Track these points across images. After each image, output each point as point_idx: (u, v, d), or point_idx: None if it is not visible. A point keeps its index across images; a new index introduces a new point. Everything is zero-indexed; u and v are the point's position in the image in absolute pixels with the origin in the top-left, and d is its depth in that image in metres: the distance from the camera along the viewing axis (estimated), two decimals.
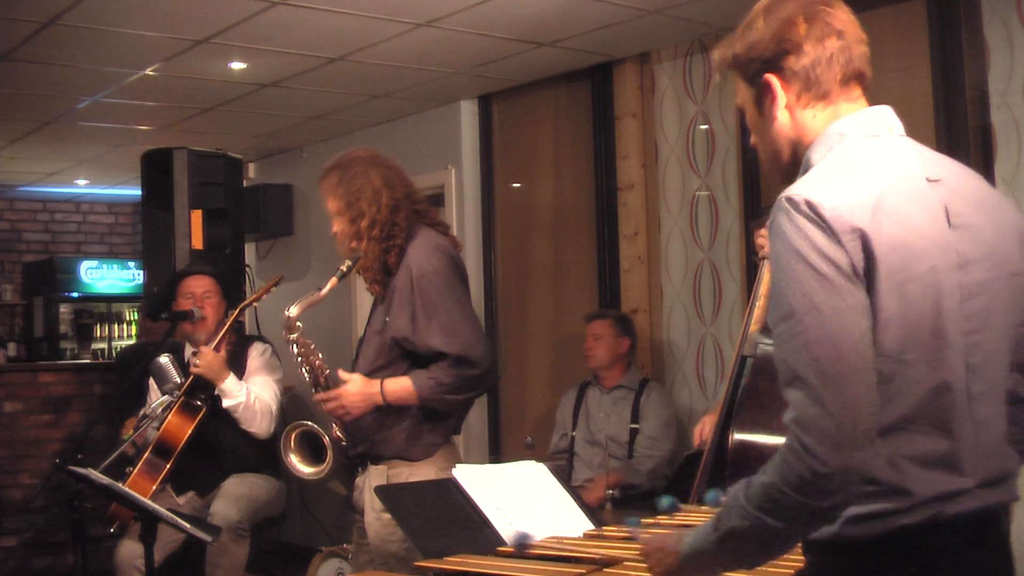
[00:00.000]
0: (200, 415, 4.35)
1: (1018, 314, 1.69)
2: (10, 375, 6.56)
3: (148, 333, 6.18)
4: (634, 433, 4.69)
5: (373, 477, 3.13)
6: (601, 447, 4.69)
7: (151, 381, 4.57)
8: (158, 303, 5.10)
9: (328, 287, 3.19)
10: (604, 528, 2.45)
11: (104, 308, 8.96)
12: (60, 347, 8.63)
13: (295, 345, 3.25)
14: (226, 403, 4.37)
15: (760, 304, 3.18)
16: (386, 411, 3.13)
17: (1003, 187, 3.92)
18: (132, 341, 8.56)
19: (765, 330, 3.17)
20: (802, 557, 1.91)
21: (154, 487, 4.24)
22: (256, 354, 4.64)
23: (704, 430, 3.57)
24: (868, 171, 1.60)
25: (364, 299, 6.43)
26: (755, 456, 2.96)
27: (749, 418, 3.02)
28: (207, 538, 3.66)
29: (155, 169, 5.55)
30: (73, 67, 5.00)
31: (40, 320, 8.71)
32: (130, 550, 4.22)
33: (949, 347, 1.58)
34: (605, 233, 5.36)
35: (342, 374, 3.17)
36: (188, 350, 4.62)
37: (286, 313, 3.22)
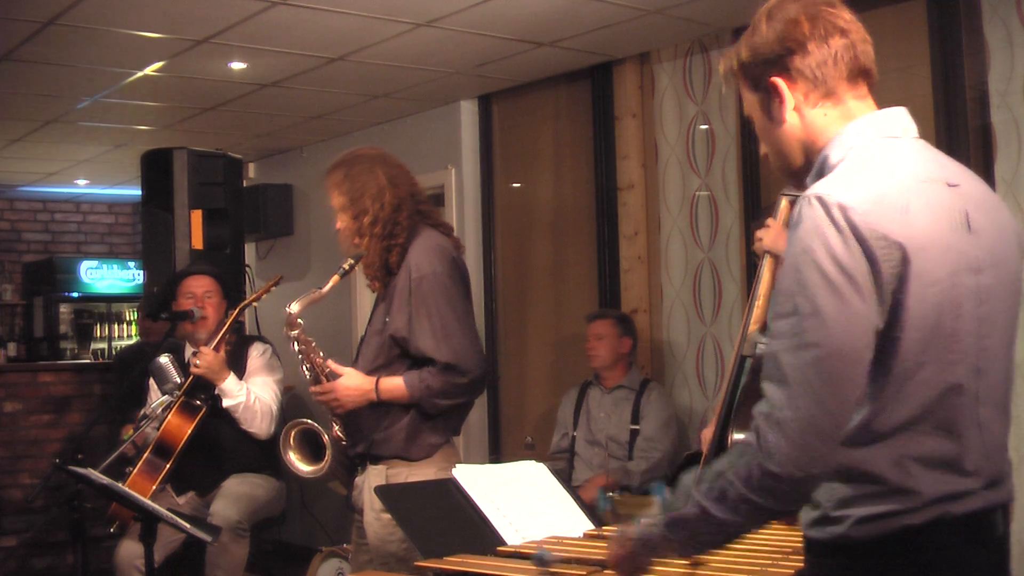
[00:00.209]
0: (200, 415, 4.35)
1: (1015, 320, 1.71)
2: (10, 375, 6.56)
3: (148, 333, 6.17)
4: (634, 434, 4.70)
5: (372, 477, 3.14)
6: (601, 447, 4.70)
7: (151, 381, 4.57)
8: (158, 303, 5.10)
9: (330, 285, 3.20)
10: (604, 528, 2.45)
11: (104, 308, 8.96)
12: (60, 347, 8.63)
13: (296, 342, 3.25)
14: (226, 403, 4.37)
15: (759, 304, 3.18)
16: (385, 411, 3.13)
17: (1003, 187, 3.92)
18: (132, 341, 8.56)
19: (764, 330, 3.16)
20: (801, 559, 1.91)
21: (154, 487, 4.24)
22: (256, 354, 4.64)
23: (706, 435, 3.56)
24: (893, 173, 1.61)
25: (364, 299, 6.43)
26: None
27: (748, 419, 3.01)
28: (207, 538, 3.66)
29: (155, 169, 5.55)
30: (73, 67, 5.00)
31: (40, 320, 8.71)
32: (130, 550, 4.22)
33: (962, 350, 1.59)
34: (605, 233, 5.36)
35: (338, 368, 3.18)
36: (188, 350, 4.62)
37: (287, 310, 3.22)
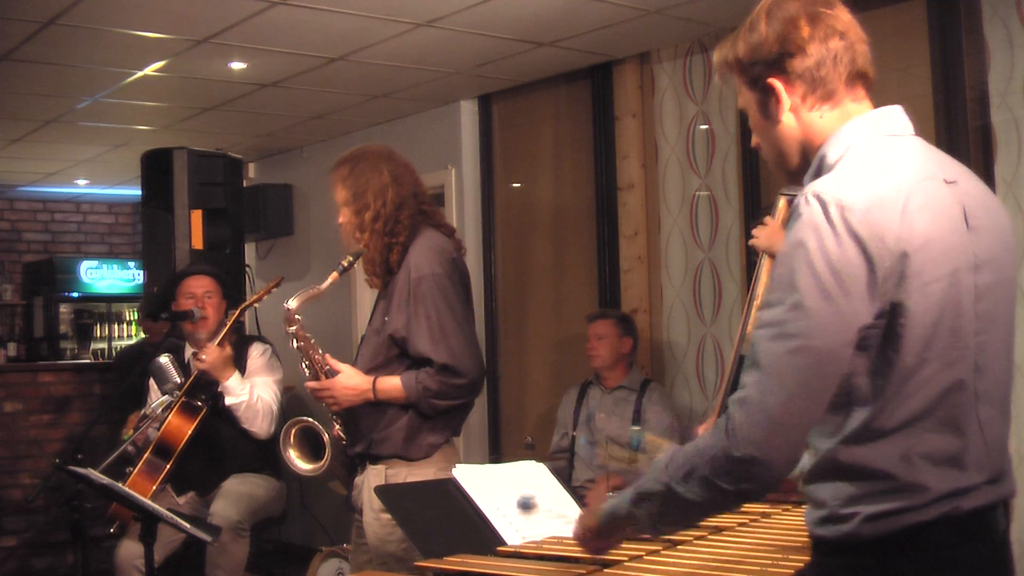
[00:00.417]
0: (200, 416, 4.35)
1: (1012, 318, 1.71)
2: (10, 375, 6.56)
3: (151, 333, 6.18)
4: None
5: (372, 477, 3.14)
6: (602, 447, 4.69)
7: (151, 381, 4.57)
8: (158, 303, 5.10)
9: (329, 281, 3.21)
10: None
11: (104, 308, 8.97)
12: (60, 347, 8.63)
13: (295, 339, 3.25)
14: (228, 401, 4.36)
15: (758, 304, 3.18)
16: (384, 411, 3.13)
17: (1003, 187, 3.92)
18: (132, 341, 8.56)
19: None
20: (801, 558, 1.91)
21: (154, 487, 4.23)
22: (256, 354, 4.64)
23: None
24: (893, 170, 1.61)
25: (364, 298, 6.43)
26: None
27: None
28: (207, 538, 3.66)
29: (155, 169, 5.56)
30: (73, 67, 5.00)
31: (40, 320, 8.72)
32: (130, 550, 4.22)
33: (963, 348, 1.60)
34: (605, 233, 5.36)
35: (337, 365, 3.18)
36: (188, 350, 4.62)
37: (285, 305, 3.23)
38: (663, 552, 2.11)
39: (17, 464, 6.31)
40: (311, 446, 3.55)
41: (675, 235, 5.12)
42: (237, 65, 5.07)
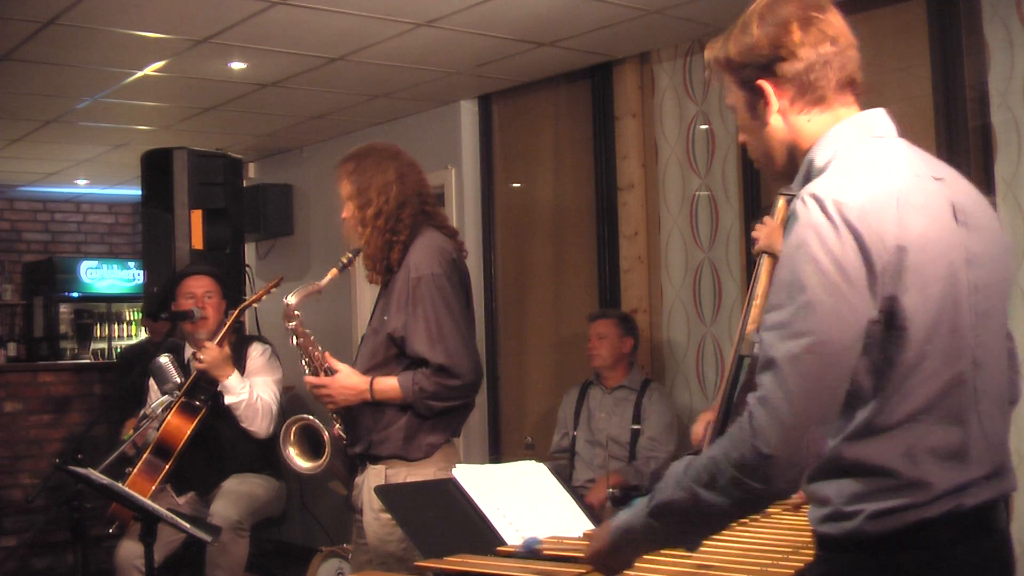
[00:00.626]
0: (200, 416, 4.35)
1: (1006, 313, 1.73)
2: (10, 375, 6.56)
3: (154, 332, 6.18)
4: (635, 434, 4.69)
5: (371, 477, 3.14)
6: (602, 447, 4.69)
7: (151, 381, 4.57)
8: (158, 303, 5.10)
9: (328, 278, 3.22)
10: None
11: (104, 308, 8.96)
12: (60, 347, 8.62)
13: (294, 335, 3.26)
14: (228, 400, 4.36)
15: (757, 303, 3.17)
16: (383, 411, 3.13)
17: (1003, 187, 3.92)
18: (132, 341, 8.56)
19: None
20: (801, 558, 1.91)
21: (153, 487, 4.23)
22: (256, 354, 4.64)
23: (709, 429, 3.55)
24: (884, 170, 1.63)
25: (364, 297, 6.43)
26: None
27: None
28: (207, 538, 3.66)
29: (155, 169, 5.55)
30: (73, 67, 5.00)
31: (40, 320, 8.71)
32: (130, 550, 4.22)
33: (962, 343, 1.61)
34: (605, 233, 5.36)
35: (335, 363, 3.19)
36: (188, 350, 4.62)
37: (285, 301, 3.24)
38: (663, 552, 2.11)
39: (17, 464, 6.31)
40: (311, 444, 3.55)
41: (675, 235, 5.12)
42: (237, 65, 5.07)
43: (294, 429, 3.55)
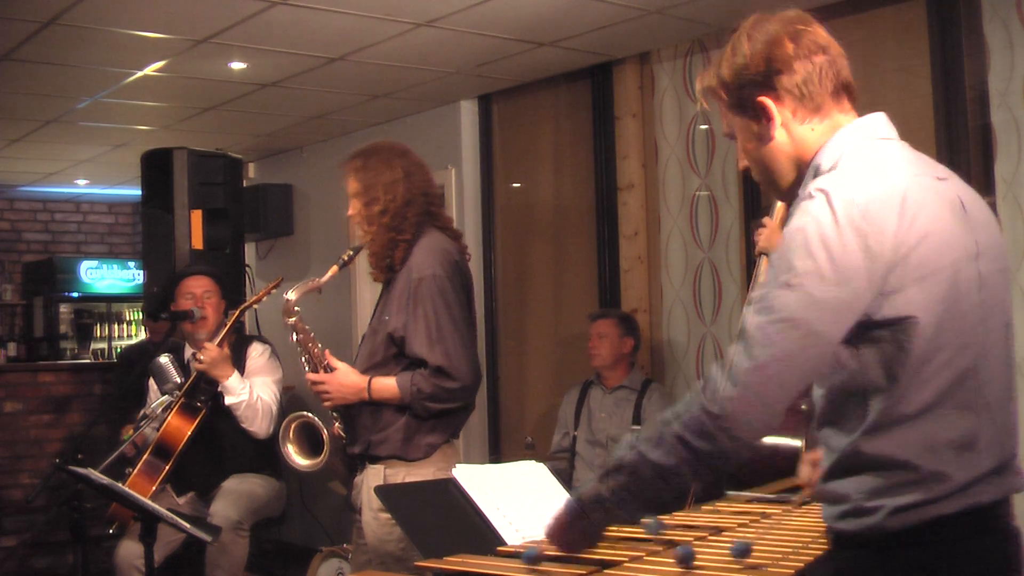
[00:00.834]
0: (200, 416, 4.34)
1: (1010, 306, 1.76)
2: (10, 375, 6.56)
3: (154, 332, 6.18)
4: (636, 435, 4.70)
5: (371, 477, 3.14)
6: (603, 447, 4.69)
7: (151, 381, 4.57)
8: (158, 303, 5.10)
9: (329, 274, 3.22)
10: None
11: (104, 308, 8.97)
12: (60, 347, 8.63)
13: (294, 331, 3.26)
14: (228, 400, 4.36)
15: None
16: (382, 411, 3.13)
17: (1003, 187, 3.92)
18: (132, 341, 8.56)
19: None
20: (801, 558, 1.91)
21: (154, 488, 4.24)
22: (255, 354, 4.64)
23: None
24: (889, 169, 1.67)
25: (364, 297, 6.44)
26: (753, 455, 2.95)
27: None
28: (207, 538, 3.66)
29: (155, 169, 5.55)
30: (73, 67, 5.00)
31: (40, 320, 8.72)
32: (130, 550, 4.22)
33: (972, 333, 1.64)
34: (605, 233, 5.36)
35: (335, 361, 3.19)
36: (188, 350, 4.62)
37: (285, 296, 3.25)
38: (663, 553, 2.11)
39: (17, 464, 6.31)
40: (310, 442, 3.55)
41: (675, 235, 5.12)
42: (237, 65, 5.07)
43: (293, 427, 3.56)
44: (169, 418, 4.30)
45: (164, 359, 4.40)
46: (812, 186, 1.65)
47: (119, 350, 8.09)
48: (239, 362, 4.54)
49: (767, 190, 1.88)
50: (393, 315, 3.12)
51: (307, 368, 3.28)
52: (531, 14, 4.46)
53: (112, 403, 5.91)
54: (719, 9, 4.45)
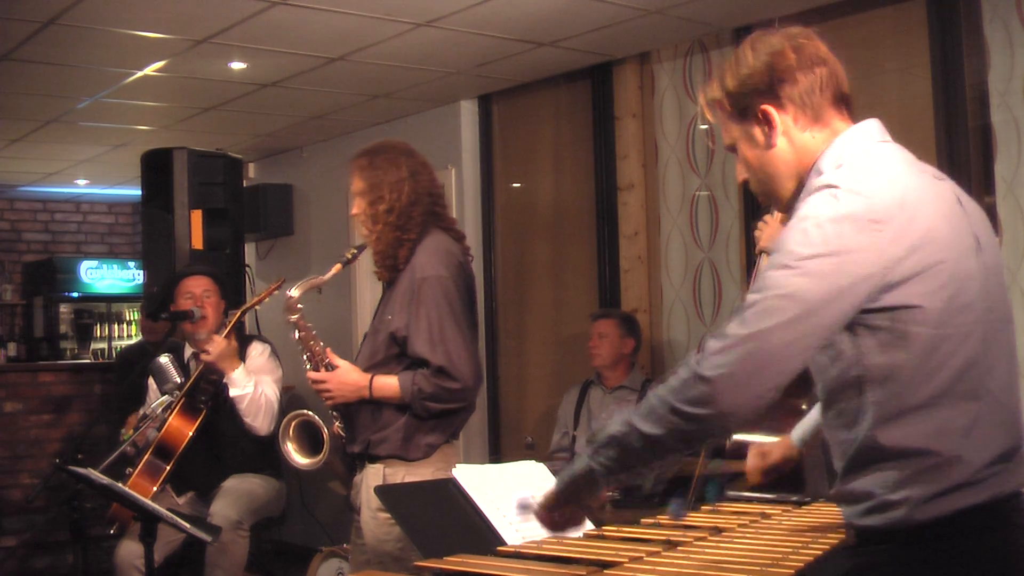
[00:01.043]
0: (201, 417, 4.34)
1: (1008, 298, 1.82)
2: (10, 375, 6.57)
3: (150, 332, 6.18)
4: None
5: (370, 476, 3.14)
6: None
7: (151, 381, 4.57)
8: (157, 304, 5.10)
9: (332, 272, 3.22)
10: (604, 528, 2.45)
11: (104, 308, 8.97)
12: (60, 347, 8.63)
13: (296, 328, 3.26)
14: (233, 392, 4.35)
15: None
16: (382, 410, 3.13)
17: (1003, 187, 3.92)
18: (132, 341, 8.56)
19: None
20: (801, 558, 1.91)
21: (155, 488, 4.23)
22: (256, 353, 4.63)
23: None
24: (891, 169, 1.73)
25: (365, 296, 6.44)
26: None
27: None
28: (207, 538, 3.66)
29: (155, 169, 5.55)
30: (73, 67, 5.00)
31: (40, 320, 8.72)
32: (130, 550, 4.22)
33: (975, 321, 1.68)
34: (605, 233, 5.36)
35: (336, 360, 3.19)
36: (188, 350, 4.62)
37: (288, 293, 3.25)
38: (663, 553, 2.11)
39: (17, 464, 6.31)
40: (310, 441, 3.55)
41: (675, 235, 5.12)
42: (237, 65, 5.07)
43: (293, 425, 3.56)
44: (170, 419, 4.29)
45: (164, 359, 4.40)
46: (818, 182, 1.70)
47: (118, 350, 8.09)
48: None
49: (766, 201, 1.94)
50: (395, 315, 3.12)
51: (308, 366, 3.28)
52: (531, 14, 4.46)
53: (112, 403, 5.91)
54: (719, 9, 4.45)
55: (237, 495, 4.44)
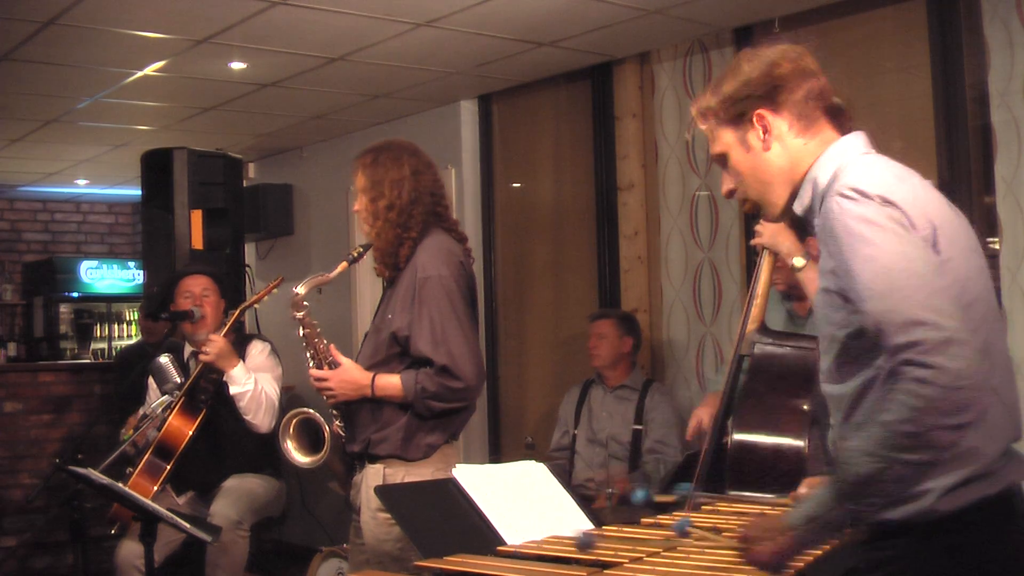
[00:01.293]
0: (201, 416, 4.34)
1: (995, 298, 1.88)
2: (10, 375, 6.56)
3: (149, 332, 6.18)
4: (636, 434, 4.69)
5: (370, 476, 3.14)
6: (603, 446, 4.69)
7: (151, 381, 4.57)
8: (157, 304, 5.10)
9: (337, 270, 3.23)
10: (604, 528, 2.45)
11: (104, 308, 8.96)
12: (60, 347, 8.62)
13: (301, 326, 3.26)
14: (233, 390, 4.35)
15: (757, 303, 3.18)
16: (382, 410, 3.13)
17: (1003, 187, 3.92)
18: (132, 341, 8.56)
19: (763, 329, 3.17)
20: (802, 558, 1.91)
21: (155, 488, 4.23)
22: (256, 352, 4.63)
23: (703, 423, 3.56)
24: (893, 172, 1.78)
25: (365, 295, 6.44)
26: (755, 457, 2.96)
27: (748, 418, 3.01)
28: (207, 538, 3.66)
29: (155, 169, 5.55)
30: (73, 67, 5.00)
31: (40, 320, 8.71)
32: (130, 550, 4.22)
33: (981, 319, 1.73)
34: (605, 233, 5.36)
35: (339, 357, 3.19)
36: (188, 350, 4.62)
37: (293, 290, 3.25)
38: (663, 554, 2.11)
39: (17, 464, 6.31)
40: (310, 439, 3.55)
41: (675, 235, 5.12)
42: (237, 65, 5.07)
43: (294, 423, 3.56)
44: (170, 418, 4.29)
45: (164, 359, 4.40)
46: (837, 189, 1.73)
47: (118, 350, 8.09)
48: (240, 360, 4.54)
49: (754, 209, 1.98)
50: (397, 314, 3.12)
51: (311, 364, 3.28)
52: (531, 14, 4.46)
53: (112, 403, 5.91)
54: (719, 9, 4.45)
55: (237, 495, 4.44)
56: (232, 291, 4.92)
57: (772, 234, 3.12)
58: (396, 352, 3.14)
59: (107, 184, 8.64)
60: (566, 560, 2.11)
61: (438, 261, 3.11)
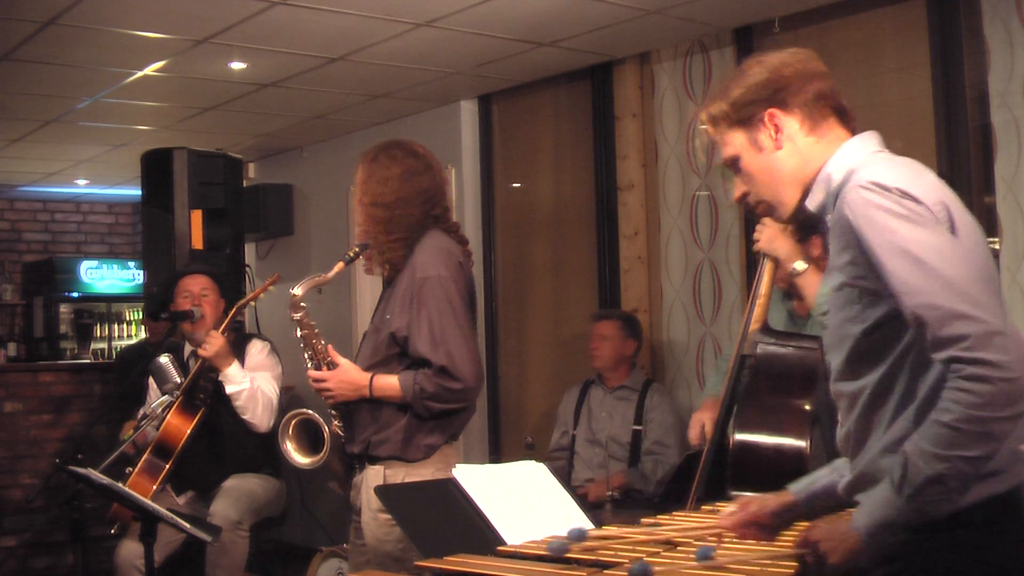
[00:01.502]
0: (199, 415, 4.34)
1: None
2: (10, 375, 6.56)
3: (153, 332, 6.18)
4: (636, 434, 4.69)
5: (370, 477, 3.14)
6: (602, 447, 4.69)
7: (151, 381, 4.57)
8: (157, 304, 5.11)
9: (335, 270, 3.23)
10: (604, 528, 2.45)
11: (104, 308, 8.96)
12: (60, 347, 8.62)
13: (299, 326, 3.26)
14: (229, 389, 4.36)
15: (760, 303, 3.18)
16: (382, 411, 3.13)
17: (1003, 187, 3.92)
18: (132, 341, 8.56)
19: (765, 329, 3.17)
20: (797, 562, 1.91)
21: (154, 487, 4.23)
22: (255, 351, 4.64)
23: (706, 428, 3.56)
24: (910, 168, 1.80)
25: (364, 295, 6.44)
26: (757, 457, 2.96)
27: (750, 419, 3.01)
28: (207, 538, 3.66)
29: (155, 169, 5.55)
30: (73, 67, 5.00)
31: (40, 320, 8.71)
32: (130, 550, 4.22)
33: (1003, 308, 1.72)
34: (605, 233, 5.36)
35: (338, 358, 3.19)
36: (188, 350, 4.62)
37: (291, 291, 3.25)
38: (663, 554, 2.11)
39: (17, 464, 6.31)
40: (309, 440, 3.55)
41: (675, 235, 5.12)
42: (237, 65, 5.07)
43: (293, 423, 3.56)
44: (169, 417, 4.29)
45: (164, 359, 4.40)
46: (855, 183, 1.74)
47: (118, 350, 8.08)
48: (239, 359, 4.53)
49: (767, 212, 1.98)
50: (396, 314, 3.12)
51: (310, 364, 3.28)
52: (531, 14, 4.46)
53: (112, 403, 5.91)
54: (719, 9, 4.45)
55: (237, 495, 4.44)
56: (232, 291, 4.91)
57: (769, 239, 3.12)
58: (395, 352, 3.14)
59: (107, 184, 8.64)
60: (566, 560, 2.10)
61: (437, 262, 3.11)
